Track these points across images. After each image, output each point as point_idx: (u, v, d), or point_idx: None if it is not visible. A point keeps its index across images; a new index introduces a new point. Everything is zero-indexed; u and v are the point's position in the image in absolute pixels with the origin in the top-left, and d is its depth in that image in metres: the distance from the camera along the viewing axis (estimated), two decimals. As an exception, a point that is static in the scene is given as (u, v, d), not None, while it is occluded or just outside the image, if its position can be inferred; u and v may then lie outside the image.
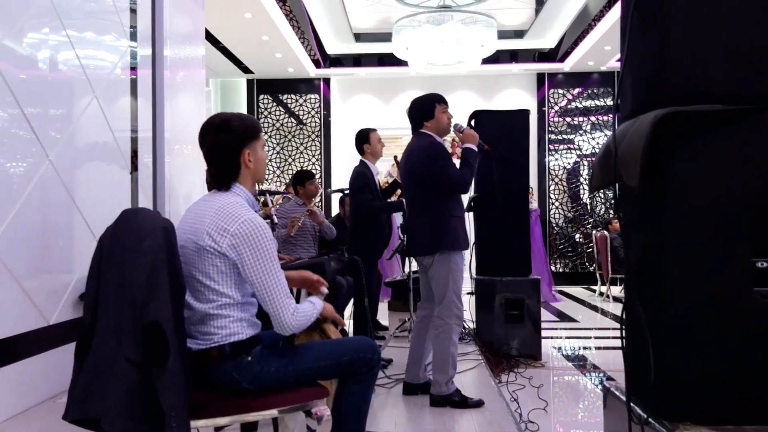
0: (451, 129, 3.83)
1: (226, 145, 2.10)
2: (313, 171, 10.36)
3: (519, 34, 10.35)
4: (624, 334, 1.87)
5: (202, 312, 2.02)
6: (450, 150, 3.81)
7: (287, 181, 10.08)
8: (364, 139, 4.96)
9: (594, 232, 9.54)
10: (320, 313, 2.17)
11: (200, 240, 2.00)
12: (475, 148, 3.71)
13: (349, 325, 5.31)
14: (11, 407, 3.34)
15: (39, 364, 3.53)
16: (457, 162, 3.69)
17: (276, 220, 5.13)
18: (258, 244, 1.98)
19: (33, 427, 3.21)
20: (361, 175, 4.85)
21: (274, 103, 10.81)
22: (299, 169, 10.46)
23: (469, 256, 4.15)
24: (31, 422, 3.29)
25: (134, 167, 4.63)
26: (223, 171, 2.11)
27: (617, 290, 9.00)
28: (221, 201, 2.06)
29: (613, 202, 10.48)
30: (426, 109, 3.74)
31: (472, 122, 5.17)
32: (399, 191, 4.93)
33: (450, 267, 3.61)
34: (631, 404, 1.75)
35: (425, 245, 3.69)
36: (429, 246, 3.66)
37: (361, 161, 4.95)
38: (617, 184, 1.87)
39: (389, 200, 5.22)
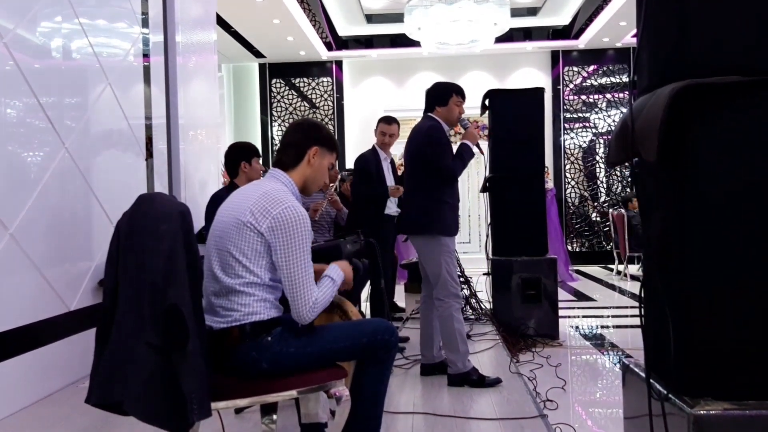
0: (458, 122, 3.85)
1: (304, 134, 2.27)
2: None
3: (532, 11, 10.23)
4: (643, 311, 1.85)
5: (228, 287, 2.05)
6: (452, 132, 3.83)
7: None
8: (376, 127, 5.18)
9: (611, 210, 9.48)
10: (339, 284, 2.21)
11: (242, 216, 2.05)
12: (473, 147, 3.74)
13: (365, 307, 5.34)
14: (34, 392, 3.40)
15: (60, 349, 3.58)
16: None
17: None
18: (294, 232, 2.02)
19: (56, 411, 3.27)
20: (358, 160, 5.09)
21: (287, 87, 10.79)
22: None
23: (484, 237, 4.15)
24: (54, 406, 3.35)
25: (149, 154, 4.65)
26: (291, 149, 2.25)
27: (635, 269, 8.95)
28: (269, 186, 2.14)
29: (629, 180, 10.39)
30: (442, 95, 3.78)
31: (486, 102, 5.13)
32: None
33: (439, 248, 3.65)
34: (651, 381, 1.74)
35: (415, 224, 3.74)
36: (418, 226, 3.72)
37: (372, 146, 5.11)
38: (635, 160, 1.84)
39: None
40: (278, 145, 2.34)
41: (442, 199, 3.66)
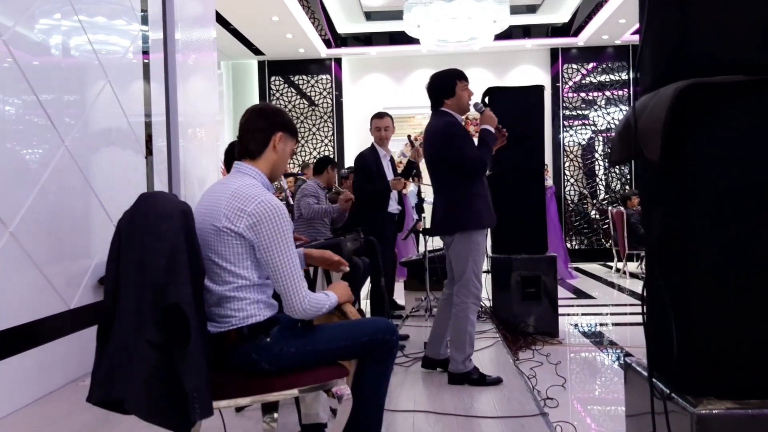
0: (471, 107, 3.77)
1: (268, 120, 2.19)
2: (326, 152, 10.43)
3: (531, 8, 10.21)
4: (645, 310, 1.85)
5: (218, 294, 2.03)
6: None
7: (300, 163, 10.10)
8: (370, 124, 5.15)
9: (610, 208, 9.48)
10: (333, 305, 2.16)
11: (217, 222, 2.01)
12: (492, 130, 3.66)
13: (366, 305, 5.34)
14: (35, 391, 3.39)
15: (61, 347, 3.58)
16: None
17: (291, 202, 5.17)
18: (275, 224, 1.99)
19: (57, 410, 3.26)
20: (357, 159, 5.06)
21: (286, 85, 10.77)
22: (311, 150, 10.55)
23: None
24: (55, 405, 3.35)
25: (149, 152, 4.65)
26: (256, 135, 2.17)
27: (634, 266, 8.95)
28: (237, 183, 2.07)
29: (628, 178, 10.39)
30: (447, 86, 3.68)
31: (486, 99, 5.12)
32: (414, 171, 4.95)
33: (470, 246, 3.59)
34: (653, 380, 1.74)
35: (445, 225, 3.68)
36: (448, 225, 3.65)
37: (371, 144, 5.09)
38: (637, 159, 1.84)
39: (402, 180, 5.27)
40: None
41: (471, 192, 3.58)
